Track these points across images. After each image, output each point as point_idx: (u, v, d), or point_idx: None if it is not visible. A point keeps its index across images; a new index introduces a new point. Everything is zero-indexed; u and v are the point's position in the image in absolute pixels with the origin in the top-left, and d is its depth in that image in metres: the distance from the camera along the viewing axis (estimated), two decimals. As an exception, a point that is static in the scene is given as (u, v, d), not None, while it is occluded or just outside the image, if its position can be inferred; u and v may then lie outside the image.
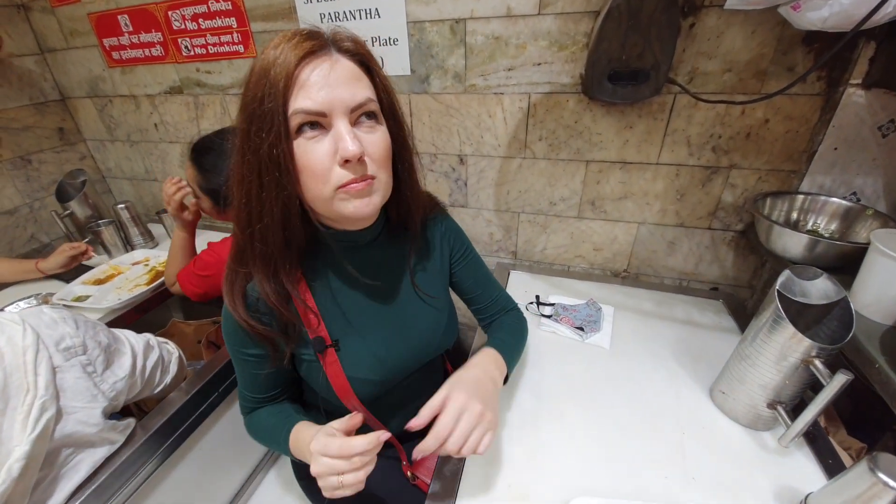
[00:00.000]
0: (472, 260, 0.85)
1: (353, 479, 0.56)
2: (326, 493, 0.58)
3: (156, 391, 0.93)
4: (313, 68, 0.52)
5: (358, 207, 0.57)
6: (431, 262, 0.79)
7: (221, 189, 1.08)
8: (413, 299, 0.76)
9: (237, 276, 0.63)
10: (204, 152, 1.08)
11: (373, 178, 0.57)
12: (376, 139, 0.57)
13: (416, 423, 0.61)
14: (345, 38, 0.56)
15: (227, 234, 1.15)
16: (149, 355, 0.89)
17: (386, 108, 0.60)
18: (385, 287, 0.74)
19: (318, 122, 0.54)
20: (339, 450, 0.56)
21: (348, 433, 0.61)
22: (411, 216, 0.71)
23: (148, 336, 0.94)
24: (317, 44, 0.53)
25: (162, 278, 1.29)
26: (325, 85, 0.52)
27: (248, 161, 0.55)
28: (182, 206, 1.16)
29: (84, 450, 0.75)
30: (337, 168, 0.54)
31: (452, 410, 0.60)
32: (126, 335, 0.87)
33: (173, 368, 0.96)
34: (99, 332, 0.79)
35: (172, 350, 0.99)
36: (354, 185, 0.55)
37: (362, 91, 0.55)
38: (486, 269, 0.89)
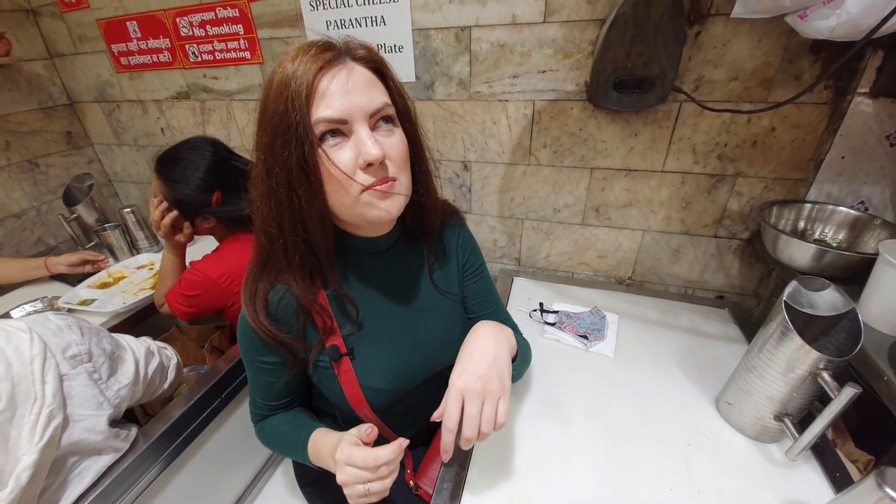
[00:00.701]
0: (483, 278, 0.84)
1: (379, 487, 0.57)
2: (353, 501, 0.59)
3: (154, 396, 0.93)
4: (332, 77, 0.53)
5: (381, 212, 0.58)
6: (448, 267, 0.79)
7: (187, 198, 1.07)
8: (428, 309, 0.76)
9: (259, 284, 0.64)
10: (172, 163, 1.07)
11: (395, 179, 0.58)
12: (394, 141, 0.58)
13: (437, 414, 0.62)
14: (358, 47, 0.57)
15: (208, 251, 1.14)
16: (150, 361, 0.89)
17: (401, 111, 0.61)
18: (401, 295, 0.73)
19: (338, 130, 0.55)
20: (364, 460, 0.56)
21: (367, 444, 0.61)
22: (428, 219, 0.71)
23: (148, 341, 0.94)
24: (333, 54, 0.54)
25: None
26: (345, 93, 0.53)
27: (277, 174, 0.55)
28: (174, 229, 1.12)
29: (89, 457, 0.75)
30: (359, 172, 0.55)
31: (454, 397, 0.60)
32: (127, 341, 0.88)
33: (172, 374, 0.96)
34: (103, 339, 0.79)
35: (171, 356, 0.99)
36: (379, 185, 0.56)
37: (379, 96, 0.56)
38: (496, 290, 0.87)
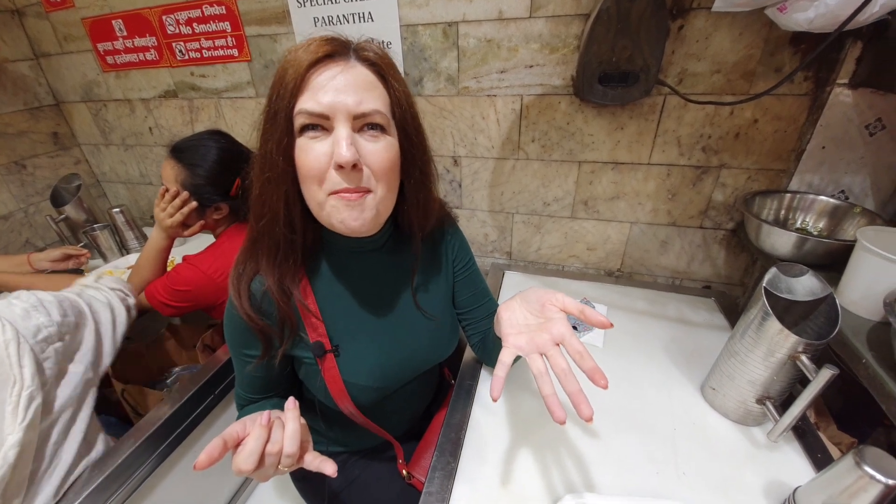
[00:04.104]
0: (472, 273, 0.84)
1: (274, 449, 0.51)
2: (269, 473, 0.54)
3: (121, 332, 0.95)
4: (324, 71, 0.53)
5: (346, 220, 0.56)
6: (436, 274, 0.79)
7: (208, 183, 1.07)
8: (416, 309, 0.76)
9: (245, 267, 0.64)
10: (185, 149, 1.07)
11: (368, 191, 0.56)
12: (377, 149, 0.56)
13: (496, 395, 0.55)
14: (368, 48, 0.56)
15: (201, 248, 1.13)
16: (117, 320, 0.92)
17: (398, 121, 0.59)
18: (388, 294, 0.73)
19: (319, 125, 0.54)
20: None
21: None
22: (421, 229, 0.70)
23: (108, 295, 0.95)
24: (334, 49, 0.54)
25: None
26: (332, 88, 0.52)
27: (261, 155, 0.57)
28: (184, 224, 1.11)
29: (68, 438, 0.78)
30: (332, 172, 0.54)
31: (533, 356, 0.55)
32: (87, 300, 0.88)
33: (133, 311, 1.01)
34: (67, 311, 0.80)
35: (127, 294, 1.01)
36: (347, 193, 0.55)
37: (370, 101, 0.54)
38: (485, 283, 0.87)
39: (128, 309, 0.97)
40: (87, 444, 0.80)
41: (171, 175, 1.07)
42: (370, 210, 0.58)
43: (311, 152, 0.54)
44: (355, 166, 0.54)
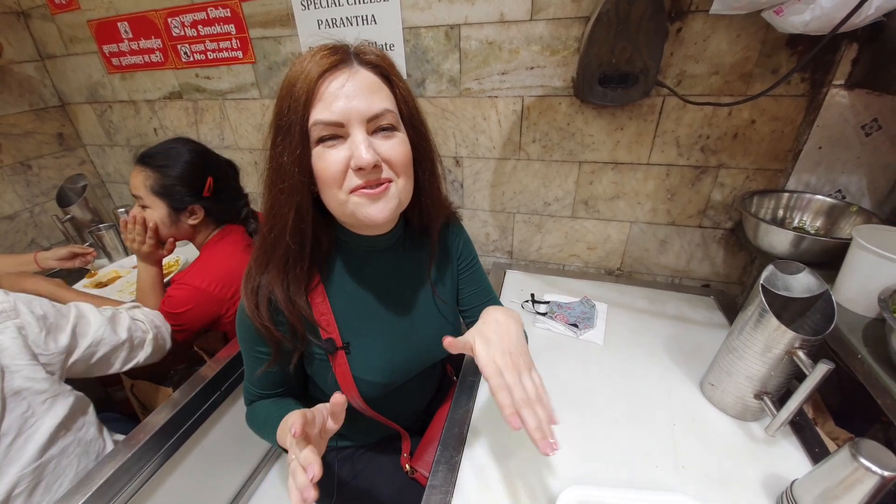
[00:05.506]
0: (476, 270, 0.86)
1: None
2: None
3: (125, 368, 0.94)
4: (332, 81, 0.55)
5: (371, 214, 0.59)
6: (443, 272, 0.81)
7: (179, 183, 1.04)
8: (424, 306, 0.78)
9: (261, 280, 0.64)
10: (153, 154, 1.05)
11: (389, 181, 0.59)
12: (393, 144, 0.59)
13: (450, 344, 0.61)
14: (368, 51, 0.59)
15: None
16: (102, 341, 0.90)
17: (406, 117, 0.62)
18: (399, 292, 0.75)
19: (336, 133, 0.56)
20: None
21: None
22: (431, 223, 0.73)
23: (118, 319, 0.94)
24: (338, 58, 0.56)
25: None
26: (343, 96, 0.55)
27: (273, 168, 0.58)
28: (159, 243, 1.10)
29: (42, 406, 0.80)
30: (351, 173, 0.57)
31: (494, 374, 0.57)
32: (82, 313, 0.89)
33: (147, 349, 0.97)
34: (34, 303, 0.82)
35: (147, 329, 0.98)
36: (368, 189, 0.57)
37: (380, 102, 0.57)
38: (488, 282, 0.89)
39: (133, 338, 0.95)
40: (66, 423, 0.83)
41: (140, 181, 1.04)
42: (393, 199, 0.60)
43: (329, 159, 0.56)
44: (375, 166, 0.57)
